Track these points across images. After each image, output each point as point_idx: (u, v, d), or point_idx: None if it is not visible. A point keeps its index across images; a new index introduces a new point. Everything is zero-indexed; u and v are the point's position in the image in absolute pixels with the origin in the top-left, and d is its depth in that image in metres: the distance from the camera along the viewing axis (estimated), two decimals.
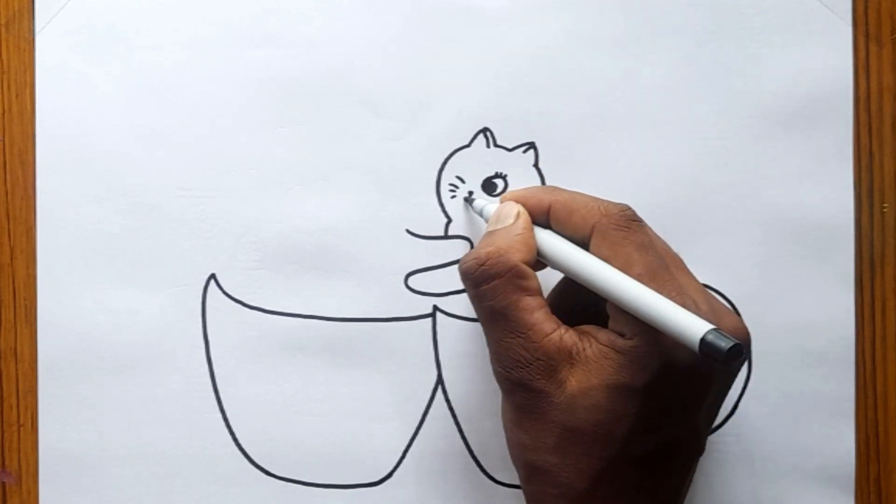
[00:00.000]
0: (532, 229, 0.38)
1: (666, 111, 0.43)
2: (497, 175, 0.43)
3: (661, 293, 0.34)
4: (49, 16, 0.43)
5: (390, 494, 0.43)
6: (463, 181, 0.43)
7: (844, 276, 0.43)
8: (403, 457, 0.43)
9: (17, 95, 0.43)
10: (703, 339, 0.31)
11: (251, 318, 0.43)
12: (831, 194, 0.43)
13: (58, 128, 0.43)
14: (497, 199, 0.42)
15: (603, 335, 0.35)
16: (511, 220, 0.38)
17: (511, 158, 0.43)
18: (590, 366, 0.35)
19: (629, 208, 0.37)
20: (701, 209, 0.43)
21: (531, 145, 0.43)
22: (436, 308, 0.43)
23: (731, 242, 0.43)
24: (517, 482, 0.43)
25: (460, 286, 0.43)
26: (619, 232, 0.36)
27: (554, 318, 0.36)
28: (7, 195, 0.43)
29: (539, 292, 0.37)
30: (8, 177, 0.43)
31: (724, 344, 0.31)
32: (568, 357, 0.35)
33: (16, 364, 0.43)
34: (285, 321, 0.43)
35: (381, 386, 0.43)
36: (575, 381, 0.35)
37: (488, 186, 0.43)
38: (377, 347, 0.43)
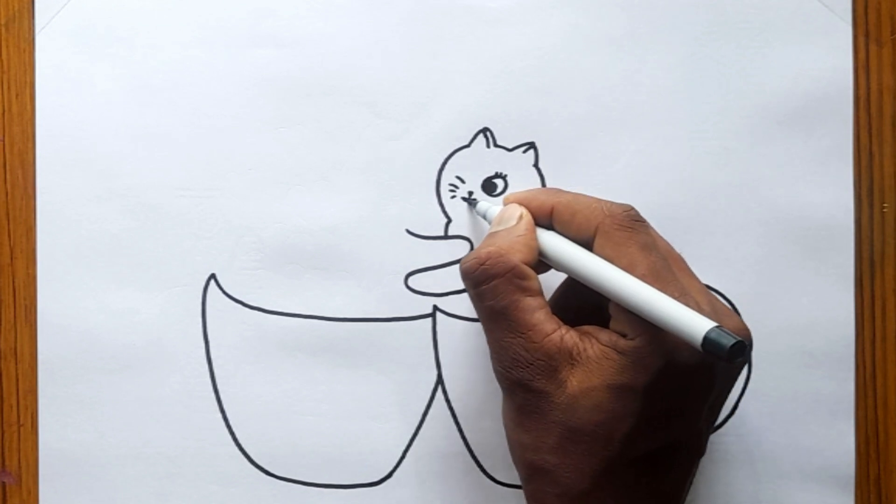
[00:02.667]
0: (534, 231, 0.38)
1: (666, 111, 0.43)
2: (497, 175, 0.43)
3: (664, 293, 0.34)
4: (49, 16, 0.43)
5: (390, 494, 0.43)
6: (463, 181, 0.43)
7: (844, 276, 0.43)
8: (403, 457, 0.43)
9: (17, 95, 0.43)
10: (705, 337, 0.32)
11: (251, 318, 0.43)
12: (831, 194, 0.43)
13: (58, 128, 0.43)
14: (499, 200, 0.42)
15: (604, 335, 0.36)
16: (514, 222, 0.38)
17: (511, 158, 0.43)
18: (591, 366, 0.35)
19: (632, 208, 0.37)
20: (701, 209, 0.43)
21: (531, 145, 0.43)
22: (436, 308, 0.43)
23: (731, 242, 0.43)
24: (517, 482, 0.43)
25: (460, 286, 0.43)
26: (623, 232, 0.36)
27: (555, 318, 0.36)
28: (7, 195, 0.43)
29: (540, 293, 0.37)
30: (8, 177, 0.43)
31: (727, 341, 0.31)
32: (568, 357, 0.35)
33: (16, 364, 0.43)
34: (285, 321, 0.43)
35: (381, 386, 0.43)
36: (576, 381, 0.35)
37: (488, 186, 0.43)
38: (377, 347, 0.43)
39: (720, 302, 0.37)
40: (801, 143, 0.43)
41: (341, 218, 0.43)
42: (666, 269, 0.36)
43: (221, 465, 0.43)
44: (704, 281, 0.42)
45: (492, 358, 0.37)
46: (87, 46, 0.43)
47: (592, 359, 0.35)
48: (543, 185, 0.43)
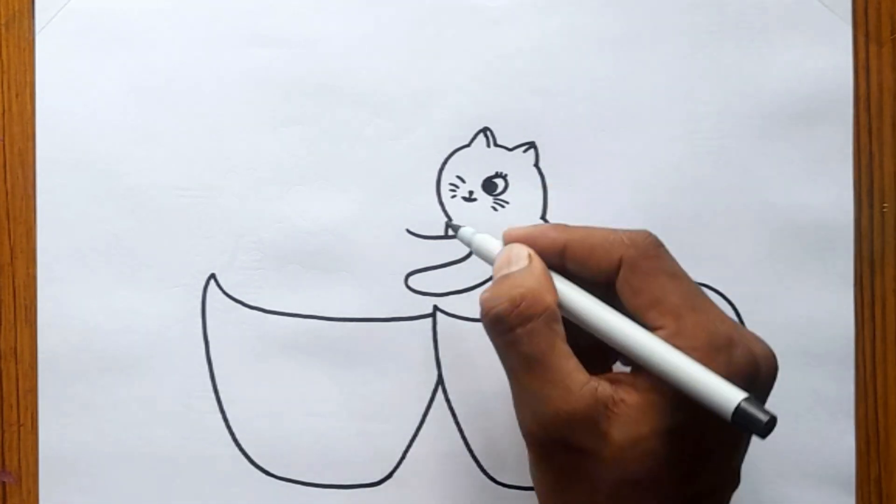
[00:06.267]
0: (548, 272, 0.35)
1: (666, 111, 0.43)
2: (497, 175, 0.43)
3: (704, 324, 0.33)
4: (49, 16, 0.43)
5: (390, 494, 0.43)
6: (463, 181, 0.43)
7: (844, 276, 0.43)
8: (403, 457, 0.43)
9: (17, 95, 0.43)
10: (736, 409, 0.31)
11: (251, 318, 0.43)
12: (831, 194, 0.43)
13: (58, 128, 0.43)
14: (485, 229, 0.39)
15: (641, 381, 0.33)
16: (525, 263, 0.35)
17: (511, 158, 0.43)
18: (634, 414, 0.33)
19: (651, 233, 0.35)
20: (701, 209, 0.43)
21: (531, 145, 0.43)
22: (436, 308, 0.43)
23: (731, 242, 0.43)
24: (517, 482, 0.43)
25: (460, 286, 0.43)
26: (650, 262, 0.34)
27: (582, 367, 0.34)
28: (7, 195, 0.43)
29: (565, 338, 0.34)
30: (8, 177, 0.43)
31: (762, 416, 0.30)
32: (604, 409, 0.33)
33: (16, 364, 0.43)
34: (285, 321, 0.43)
35: (381, 386, 0.43)
36: (618, 432, 0.33)
37: (488, 186, 0.43)
38: (377, 347, 0.43)
39: (744, 328, 0.36)
40: (801, 143, 0.43)
41: (341, 218, 0.43)
42: (698, 295, 0.34)
43: (221, 465, 0.43)
44: (704, 281, 0.42)
45: (524, 415, 0.34)
46: (87, 46, 0.43)
47: (635, 406, 0.33)
48: (544, 185, 0.43)
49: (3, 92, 0.43)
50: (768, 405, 0.43)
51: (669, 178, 0.43)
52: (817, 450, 0.43)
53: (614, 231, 0.35)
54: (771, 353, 0.35)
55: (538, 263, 0.35)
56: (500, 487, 0.43)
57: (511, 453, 0.43)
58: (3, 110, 0.43)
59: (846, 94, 0.43)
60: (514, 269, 0.35)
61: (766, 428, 0.31)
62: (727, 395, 0.31)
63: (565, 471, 0.34)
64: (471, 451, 0.43)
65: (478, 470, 0.43)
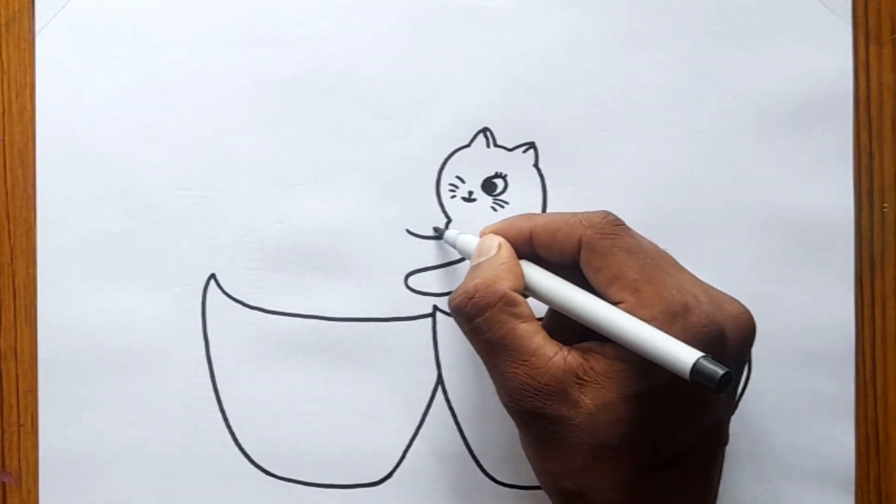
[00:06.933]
0: (516, 258, 0.38)
1: (666, 111, 0.43)
2: (497, 175, 0.43)
3: (660, 294, 0.34)
4: (49, 16, 0.43)
5: (390, 494, 0.43)
6: (463, 181, 0.43)
7: (844, 276, 0.43)
8: (403, 457, 0.43)
9: (17, 95, 0.43)
10: (693, 367, 0.32)
11: (251, 318, 0.43)
12: (831, 194, 0.43)
13: (58, 128, 0.43)
14: (469, 230, 0.42)
15: (609, 349, 0.35)
16: (494, 252, 0.38)
17: (511, 158, 0.43)
18: (602, 381, 0.35)
19: (610, 213, 0.37)
20: (701, 209, 0.43)
21: (531, 145, 0.43)
22: (436, 308, 0.43)
23: (731, 242, 0.43)
24: (517, 482, 0.43)
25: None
26: (607, 240, 0.36)
27: (553, 341, 0.36)
28: (7, 195, 0.43)
29: (533, 318, 0.36)
30: (8, 177, 0.43)
31: (717, 372, 0.31)
32: (575, 377, 0.35)
33: (16, 364, 0.43)
34: (285, 321, 0.43)
35: (381, 386, 0.43)
36: (589, 399, 0.35)
37: (488, 186, 0.43)
38: (377, 347, 0.43)
39: (716, 290, 0.37)
40: (801, 143, 0.43)
41: (341, 218, 0.43)
42: (657, 268, 0.36)
43: (221, 465, 0.43)
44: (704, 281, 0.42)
45: (498, 393, 0.37)
46: (87, 46, 0.43)
47: (602, 374, 0.35)
48: (543, 185, 0.43)
49: (3, 92, 0.43)
50: (769, 404, 0.43)
51: (669, 178, 0.43)
52: (817, 449, 0.43)
53: (574, 214, 0.37)
54: (741, 313, 0.36)
55: (506, 251, 0.38)
56: (500, 487, 0.43)
57: (511, 453, 0.43)
58: (3, 110, 0.43)
59: (846, 94, 0.43)
60: (482, 259, 0.38)
61: (721, 383, 0.31)
62: (683, 355, 0.32)
63: (544, 438, 0.36)
64: (471, 450, 0.43)
65: (478, 470, 0.43)
